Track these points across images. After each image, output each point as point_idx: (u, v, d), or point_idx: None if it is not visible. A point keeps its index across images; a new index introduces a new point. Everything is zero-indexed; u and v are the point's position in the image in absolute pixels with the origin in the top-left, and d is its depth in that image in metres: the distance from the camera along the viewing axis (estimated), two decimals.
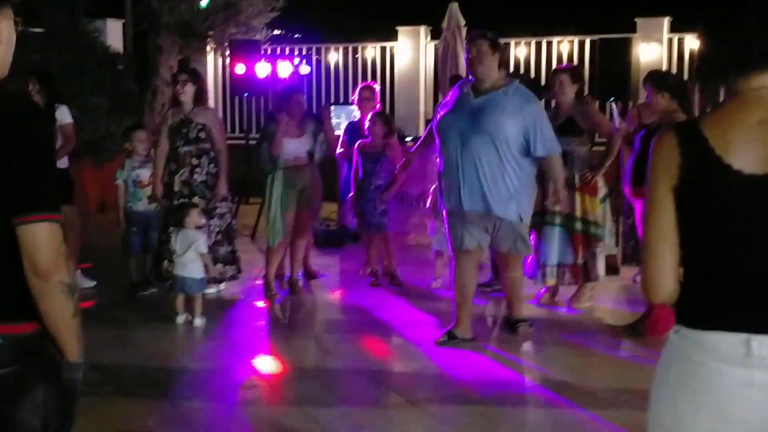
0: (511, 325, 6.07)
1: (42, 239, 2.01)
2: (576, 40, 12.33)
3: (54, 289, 2.04)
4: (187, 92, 6.95)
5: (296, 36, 14.25)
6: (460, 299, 5.91)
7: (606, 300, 6.98)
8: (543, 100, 8.25)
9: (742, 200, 1.90)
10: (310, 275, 7.88)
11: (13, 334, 2.09)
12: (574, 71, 6.80)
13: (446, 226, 5.92)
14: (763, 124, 1.92)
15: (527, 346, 5.91)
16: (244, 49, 11.01)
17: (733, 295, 1.93)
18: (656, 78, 5.99)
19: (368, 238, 7.69)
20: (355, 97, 8.58)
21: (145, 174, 7.14)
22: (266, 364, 5.54)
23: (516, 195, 5.61)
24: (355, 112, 8.69)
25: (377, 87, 8.88)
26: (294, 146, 6.98)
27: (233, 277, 7.32)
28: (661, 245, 1.99)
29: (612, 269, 6.88)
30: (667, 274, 2.00)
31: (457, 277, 5.91)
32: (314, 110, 10.80)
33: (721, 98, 2.04)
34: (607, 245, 6.70)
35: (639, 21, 11.89)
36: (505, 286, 6.18)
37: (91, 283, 7.33)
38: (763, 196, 1.89)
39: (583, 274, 6.66)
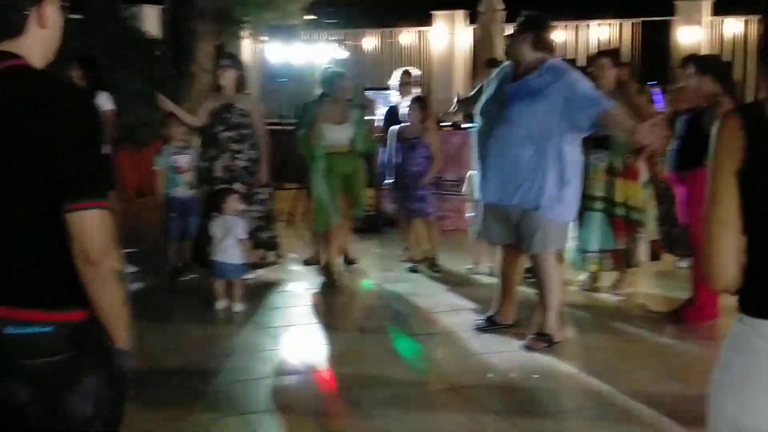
0: (532, 334, 5.57)
1: (93, 226, 2.01)
2: (615, 23, 12.18)
3: (105, 276, 2.04)
4: (229, 77, 6.95)
5: (332, 22, 14.20)
6: (501, 286, 5.87)
7: (648, 286, 6.91)
8: None
9: None
10: (349, 261, 7.88)
11: (65, 321, 2.09)
12: (615, 54, 6.72)
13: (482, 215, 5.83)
14: None
15: (568, 332, 5.86)
16: (282, 35, 11.02)
17: None
18: (699, 61, 5.90)
19: (407, 223, 7.67)
20: (395, 81, 8.53)
21: (183, 160, 7.16)
22: (307, 349, 5.54)
23: (541, 186, 5.30)
24: (392, 97, 8.65)
25: (417, 72, 8.83)
26: (335, 133, 6.96)
27: (273, 263, 7.34)
28: (724, 230, 1.94)
29: (654, 255, 6.81)
30: (729, 261, 1.94)
31: (501, 265, 5.87)
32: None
33: None
34: (650, 231, 6.62)
35: (678, 4, 11.72)
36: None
37: (133, 269, 7.38)
38: None
39: (625, 259, 6.59)
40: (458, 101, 6.50)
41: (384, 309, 6.61)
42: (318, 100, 7.08)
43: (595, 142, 6.40)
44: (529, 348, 5.41)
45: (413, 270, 7.52)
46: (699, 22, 11.55)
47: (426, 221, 7.65)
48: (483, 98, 5.69)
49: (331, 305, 6.74)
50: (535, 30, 5.49)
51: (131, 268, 7.39)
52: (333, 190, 6.97)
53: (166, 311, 6.39)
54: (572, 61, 11.49)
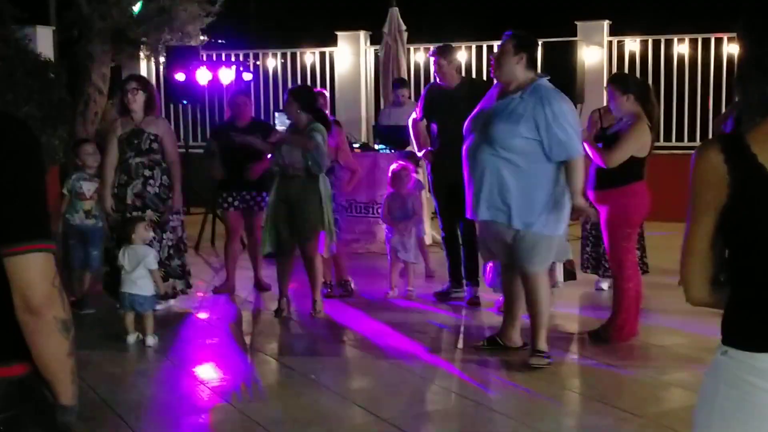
0: (530, 353, 5.53)
1: (36, 272, 1.79)
2: None
3: (49, 327, 1.83)
4: (139, 101, 6.67)
5: (231, 42, 13.95)
6: (505, 308, 5.85)
7: (566, 306, 6.92)
8: None
9: None
10: (261, 287, 7.66)
11: (4, 377, 1.87)
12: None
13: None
14: None
15: (480, 351, 5.79)
16: (182, 56, 10.75)
17: None
18: (620, 81, 5.97)
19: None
20: None
21: (88, 187, 6.85)
22: (225, 384, 5.31)
23: (524, 203, 5.25)
24: None
25: (325, 93, 8.69)
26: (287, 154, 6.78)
27: (183, 292, 7.06)
28: (694, 259, 1.96)
29: (569, 275, 6.81)
30: (699, 285, 1.97)
31: (505, 285, 5.82)
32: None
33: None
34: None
35: (579, 24, 11.94)
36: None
37: None
38: None
39: None
40: None
41: (303, 337, 6.43)
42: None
43: None
44: (534, 366, 5.37)
45: (328, 295, 7.34)
46: (600, 43, 11.80)
47: (340, 244, 7.52)
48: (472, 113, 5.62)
49: (247, 335, 6.52)
50: (529, 49, 5.45)
51: None
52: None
53: (75, 346, 6.04)
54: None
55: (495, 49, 11.88)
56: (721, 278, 1.95)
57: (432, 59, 7.18)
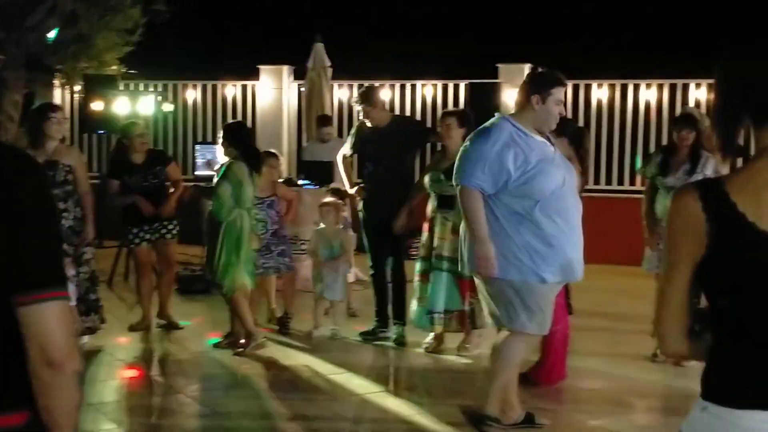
0: (472, 418, 4.98)
1: (55, 322, 1.61)
2: (439, 84, 12.37)
3: (67, 382, 1.64)
4: (58, 132, 6.41)
5: (151, 72, 13.66)
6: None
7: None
8: (429, 144, 8.19)
9: None
10: (172, 325, 7.39)
11: (4, 426, 1.68)
12: (461, 115, 6.72)
13: None
14: None
15: (409, 391, 5.70)
16: (99, 85, 10.45)
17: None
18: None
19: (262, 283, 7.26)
20: None
21: None
22: (143, 428, 5.06)
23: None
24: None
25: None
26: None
27: (98, 328, 6.75)
28: (671, 309, 1.88)
29: None
30: (675, 336, 1.89)
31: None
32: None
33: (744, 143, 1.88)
34: None
35: (501, 67, 12.05)
36: None
37: None
38: None
39: (470, 320, 6.51)
40: None
41: (225, 376, 6.20)
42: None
43: (442, 201, 6.36)
44: None
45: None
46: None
47: (288, 277, 7.37)
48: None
49: (166, 374, 6.26)
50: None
51: None
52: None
53: None
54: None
55: (420, 88, 12.07)
56: (696, 328, 1.88)
57: (357, 104, 7.12)
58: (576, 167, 5.74)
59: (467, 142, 4.84)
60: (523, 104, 4.76)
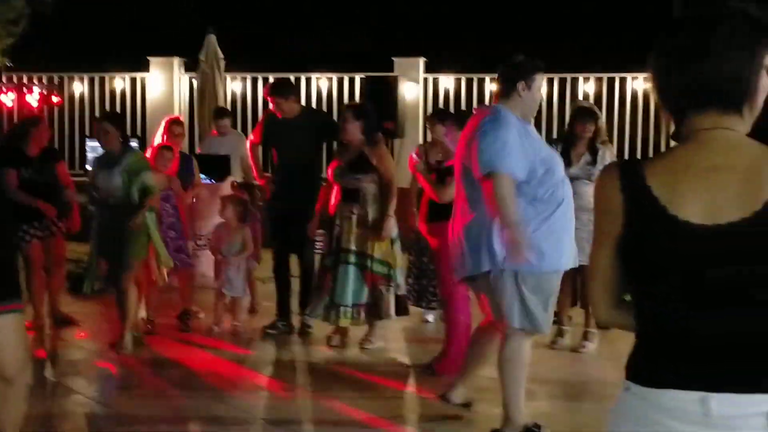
0: None
1: (11, 335, 1.53)
2: (335, 77, 12.35)
3: (17, 395, 1.57)
4: None
5: (38, 65, 13.18)
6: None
7: (397, 340, 6.91)
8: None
9: (692, 253, 1.77)
10: (64, 321, 7.18)
11: None
12: (357, 108, 6.73)
13: None
14: (712, 171, 1.79)
15: (313, 385, 5.69)
16: None
17: (688, 352, 1.79)
18: (458, 117, 6.10)
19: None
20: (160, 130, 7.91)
21: None
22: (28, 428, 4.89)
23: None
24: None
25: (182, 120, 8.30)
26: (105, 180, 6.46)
27: None
28: (597, 281, 1.95)
29: (403, 308, 6.78)
30: (604, 306, 1.97)
31: None
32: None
33: None
34: (399, 285, 6.61)
35: (396, 60, 12.10)
36: None
37: None
38: (713, 248, 1.76)
39: (375, 313, 6.53)
40: None
41: (121, 376, 6.05)
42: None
43: (347, 194, 6.35)
44: None
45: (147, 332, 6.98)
46: (416, 79, 11.99)
47: (185, 273, 7.20)
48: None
49: (60, 374, 6.06)
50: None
51: None
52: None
53: None
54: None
55: (315, 80, 12.02)
56: (625, 298, 1.94)
57: (269, 98, 7.03)
58: None
59: (482, 133, 4.59)
60: (509, 93, 4.69)
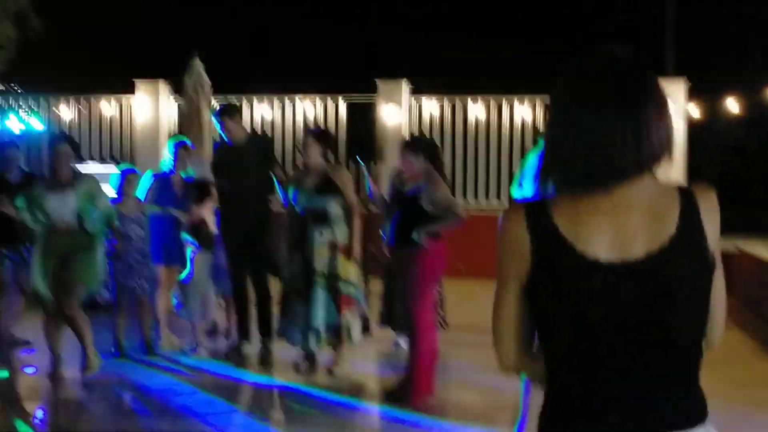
0: None
1: None
2: (318, 99, 12.40)
3: None
4: None
5: (25, 88, 13.29)
6: None
7: (363, 363, 6.91)
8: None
9: (599, 291, 1.75)
10: (19, 343, 7.17)
11: None
12: (318, 133, 6.80)
13: None
14: (618, 208, 1.78)
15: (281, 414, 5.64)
16: None
17: (598, 390, 1.77)
18: (411, 143, 6.12)
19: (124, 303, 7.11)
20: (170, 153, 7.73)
21: None
22: None
23: None
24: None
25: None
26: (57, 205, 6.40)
27: None
28: (502, 324, 1.87)
29: (366, 329, 6.78)
30: (507, 351, 1.88)
31: None
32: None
33: None
34: (361, 307, 6.63)
35: (380, 83, 12.11)
36: None
37: None
38: (620, 285, 1.74)
39: (343, 335, 6.52)
40: None
41: (81, 401, 6.05)
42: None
43: (315, 217, 6.36)
44: None
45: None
46: (399, 103, 12.01)
47: (145, 300, 7.20)
48: None
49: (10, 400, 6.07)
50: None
51: None
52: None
53: None
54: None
55: (298, 102, 12.06)
56: (533, 348, 1.88)
57: (217, 119, 7.12)
58: (438, 181, 5.89)
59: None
60: None
